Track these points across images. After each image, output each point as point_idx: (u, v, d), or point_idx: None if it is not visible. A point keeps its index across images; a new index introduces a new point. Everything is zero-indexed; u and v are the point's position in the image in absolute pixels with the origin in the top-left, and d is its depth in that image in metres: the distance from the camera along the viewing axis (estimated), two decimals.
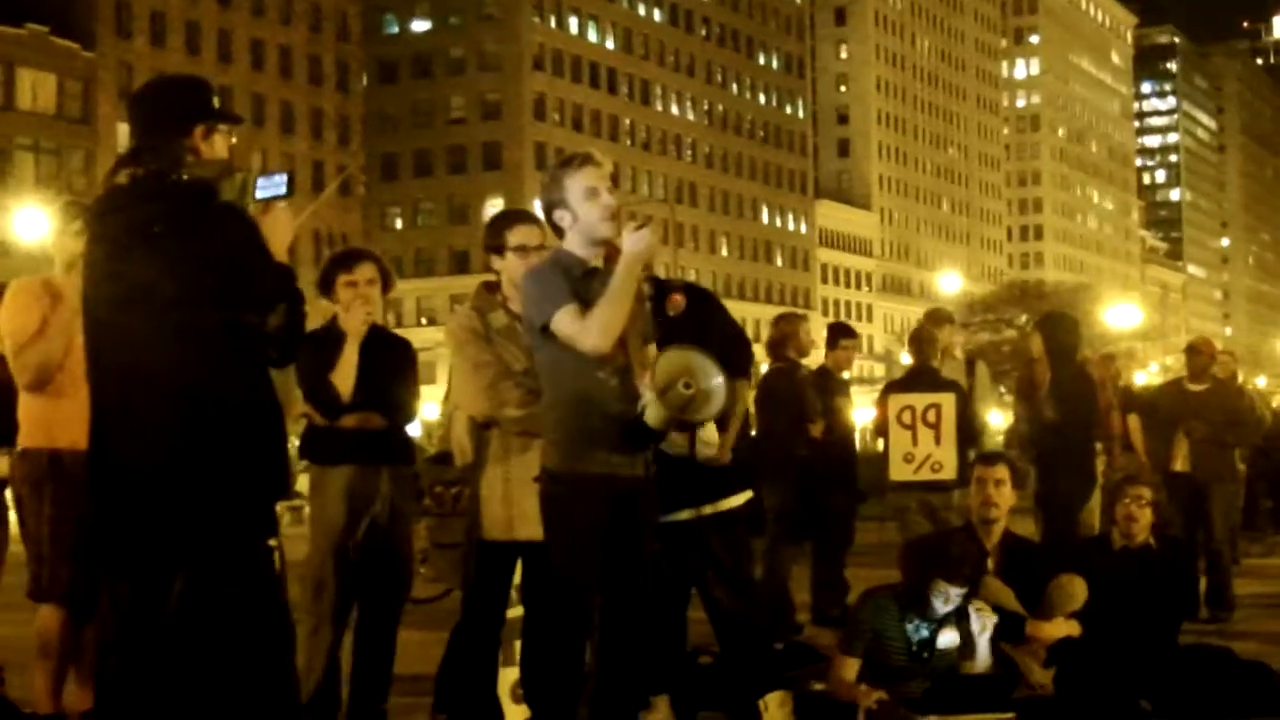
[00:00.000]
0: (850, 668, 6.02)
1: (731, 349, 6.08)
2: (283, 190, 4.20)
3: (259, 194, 4.18)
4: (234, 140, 4.33)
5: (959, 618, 6.04)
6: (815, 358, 10.10)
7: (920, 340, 9.90)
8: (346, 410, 5.78)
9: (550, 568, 4.79)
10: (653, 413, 4.62)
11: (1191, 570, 8.18)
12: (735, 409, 6.15)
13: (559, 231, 4.88)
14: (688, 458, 5.35)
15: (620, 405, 4.66)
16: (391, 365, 5.95)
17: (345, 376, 5.75)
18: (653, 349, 4.84)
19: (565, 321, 4.67)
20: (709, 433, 5.51)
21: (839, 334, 10.19)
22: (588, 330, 4.64)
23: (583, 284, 4.71)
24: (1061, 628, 6.50)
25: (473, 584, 5.46)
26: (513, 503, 5.30)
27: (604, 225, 4.76)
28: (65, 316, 5.45)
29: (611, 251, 4.82)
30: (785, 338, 9.50)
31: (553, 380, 4.81)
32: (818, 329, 10.69)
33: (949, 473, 9.21)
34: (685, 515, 5.74)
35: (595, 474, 4.69)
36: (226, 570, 4.07)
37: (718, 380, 4.64)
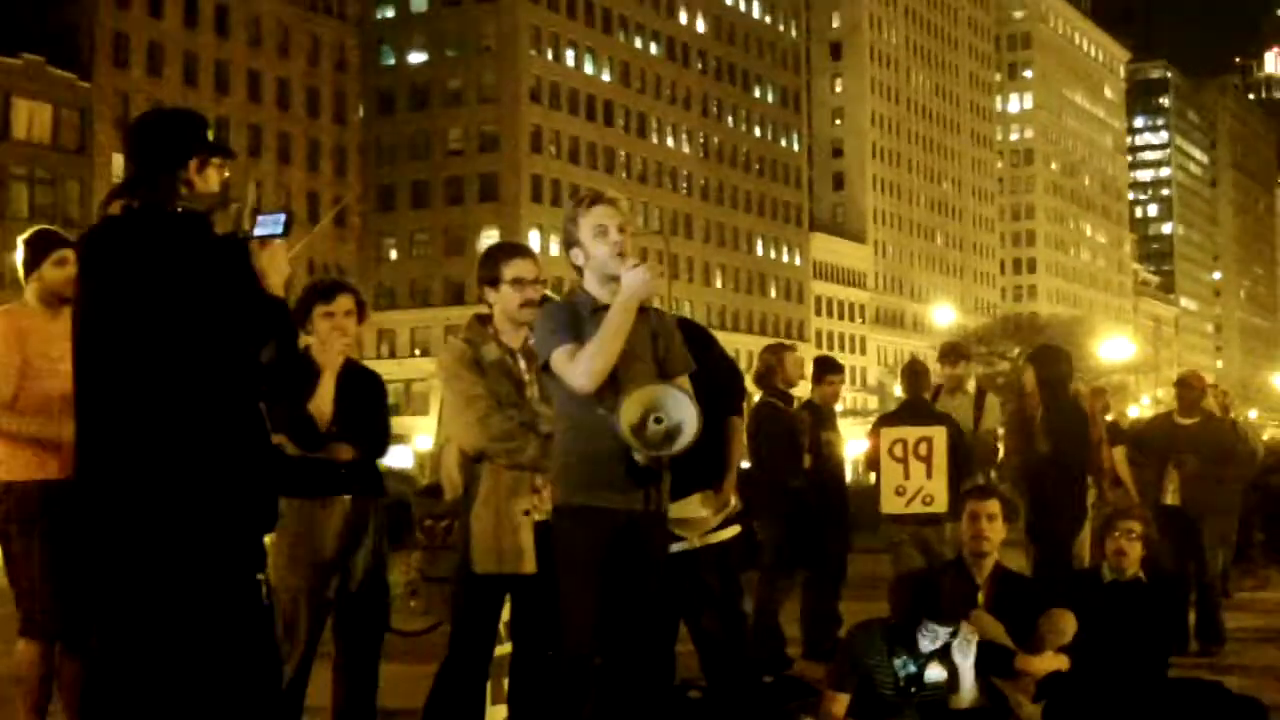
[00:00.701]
0: (840, 703, 6.00)
1: (726, 386, 6.11)
2: (280, 230, 4.21)
3: (257, 231, 4.21)
4: (227, 174, 4.36)
5: (945, 653, 6.03)
6: (803, 389, 10.09)
7: (913, 373, 9.90)
8: (321, 442, 5.76)
9: (539, 603, 4.79)
10: (634, 454, 4.65)
11: (1181, 604, 8.17)
12: (735, 448, 6.17)
13: (579, 271, 4.96)
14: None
15: (620, 441, 4.68)
16: (365, 398, 5.93)
17: (323, 407, 5.71)
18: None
19: (559, 360, 4.78)
20: (698, 505, 5.59)
21: (825, 369, 10.13)
22: (574, 370, 4.72)
23: (592, 322, 4.79)
24: (1050, 662, 6.49)
25: (460, 618, 5.45)
26: (502, 537, 5.29)
27: (613, 263, 4.84)
28: (39, 348, 5.44)
29: None
30: (770, 369, 9.50)
31: (559, 415, 4.91)
32: (811, 361, 10.68)
33: (940, 506, 9.20)
34: (676, 548, 5.74)
35: (595, 507, 4.75)
36: (216, 604, 4.06)
37: (689, 409, 4.66)
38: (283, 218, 4.25)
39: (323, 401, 5.71)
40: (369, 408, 5.91)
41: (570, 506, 4.81)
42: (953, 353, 10.82)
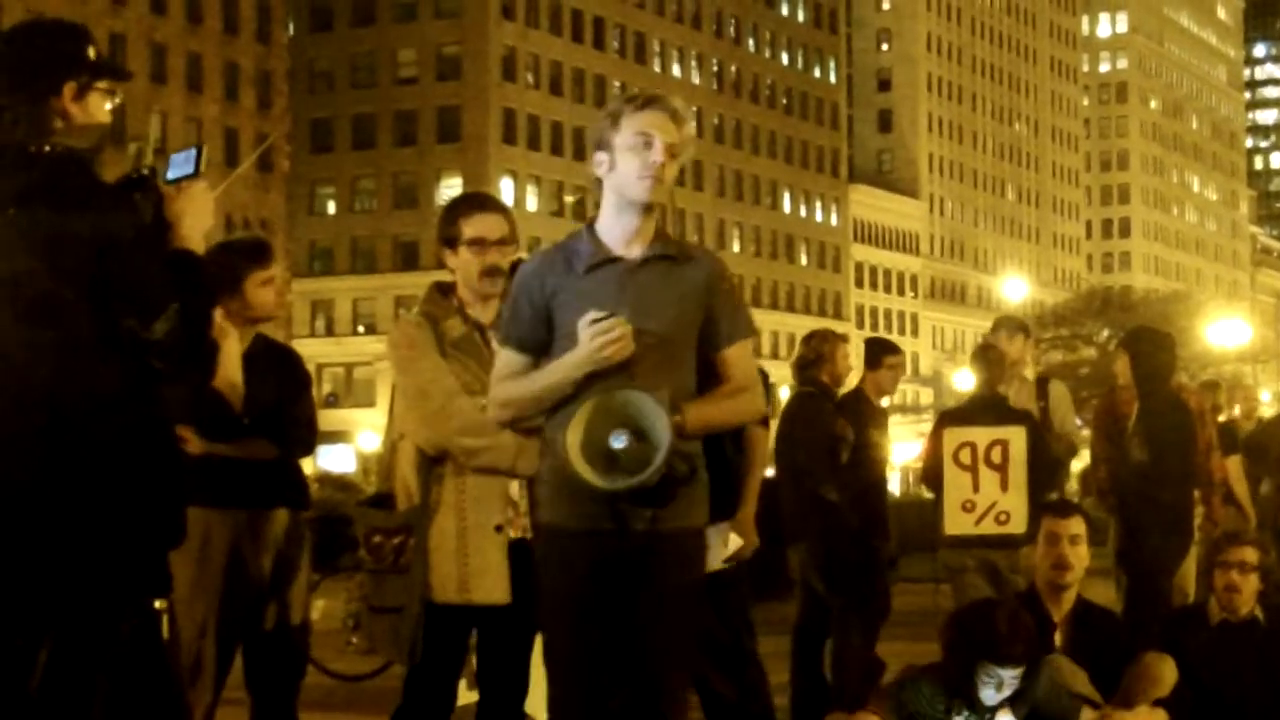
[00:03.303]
0: None
1: None
2: (190, 169, 4.18)
3: (170, 174, 4.17)
4: (118, 100, 4.28)
5: (1016, 699, 6.05)
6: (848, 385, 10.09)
7: (986, 359, 9.86)
8: (237, 429, 5.68)
9: (512, 643, 4.76)
10: (594, 481, 4.47)
11: None
12: (756, 468, 6.10)
13: (599, 185, 4.78)
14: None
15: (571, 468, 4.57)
16: (281, 380, 5.87)
17: (232, 382, 5.58)
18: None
19: (495, 371, 4.82)
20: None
21: (882, 350, 10.09)
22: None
23: (585, 283, 4.65)
24: (1145, 719, 6.51)
25: (417, 658, 5.46)
26: (468, 557, 5.29)
27: (640, 185, 4.67)
28: None
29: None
30: (821, 359, 9.40)
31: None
32: (853, 345, 10.68)
33: (1018, 525, 9.16)
34: None
35: (574, 530, 4.68)
36: (104, 637, 4.05)
37: (662, 421, 4.45)
38: (191, 155, 4.20)
39: (230, 373, 5.54)
40: (288, 394, 5.86)
41: (548, 528, 4.76)
42: (1008, 328, 10.72)
